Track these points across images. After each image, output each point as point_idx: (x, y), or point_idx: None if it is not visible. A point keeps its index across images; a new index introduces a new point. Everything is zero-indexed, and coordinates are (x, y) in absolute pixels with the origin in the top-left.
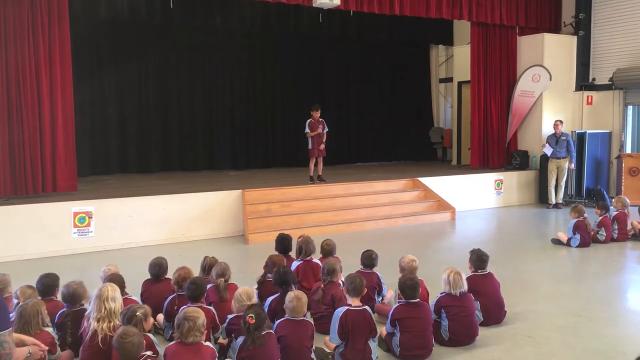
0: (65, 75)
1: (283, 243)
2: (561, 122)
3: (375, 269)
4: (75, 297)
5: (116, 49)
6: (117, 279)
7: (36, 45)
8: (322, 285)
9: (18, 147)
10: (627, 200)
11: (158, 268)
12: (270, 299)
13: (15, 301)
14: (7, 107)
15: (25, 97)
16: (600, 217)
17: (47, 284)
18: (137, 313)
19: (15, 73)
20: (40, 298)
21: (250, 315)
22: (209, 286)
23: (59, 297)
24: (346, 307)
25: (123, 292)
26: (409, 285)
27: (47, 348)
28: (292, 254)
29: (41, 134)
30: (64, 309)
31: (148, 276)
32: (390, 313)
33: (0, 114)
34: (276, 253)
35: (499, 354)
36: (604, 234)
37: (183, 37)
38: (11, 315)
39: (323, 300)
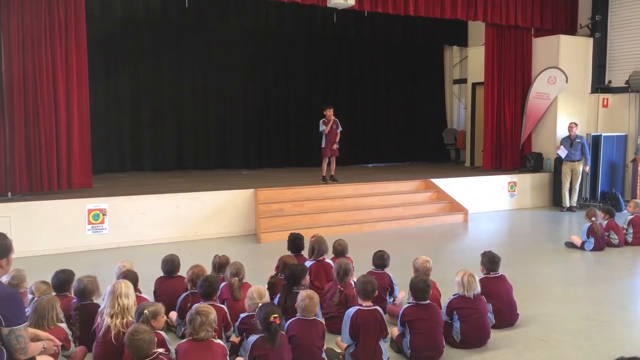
0: (82, 73)
1: (295, 243)
2: (576, 124)
3: (387, 270)
4: (86, 292)
5: (131, 48)
6: (131, 276)
7: (53, 44)
8: (339, 287)
9: (34, 143)
10: None
11: (170, 264)
12: (279, 295)
13: (30, 296)
14: (24, 103)
15: (41, 94)
16: (605, 221)
17: (63, 280)
18: (145, 311)
19: (32, 70)
20: (54, 294)
21: (275, 315)
22: (222, 284)
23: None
24: (357, 307)
25: (135, 289)
26: (420, 287)
27: (60, 343)
28: (304, 253)
29: (57, 130)
30: (74, 302)
31: (160, 274)
32: (400, 314)
33: (17, 111)
34: (287, 253)
35: (511, 356)
36: (616, 237)
37: (198, 36)
38: (26, 310)
39: (339, 300)
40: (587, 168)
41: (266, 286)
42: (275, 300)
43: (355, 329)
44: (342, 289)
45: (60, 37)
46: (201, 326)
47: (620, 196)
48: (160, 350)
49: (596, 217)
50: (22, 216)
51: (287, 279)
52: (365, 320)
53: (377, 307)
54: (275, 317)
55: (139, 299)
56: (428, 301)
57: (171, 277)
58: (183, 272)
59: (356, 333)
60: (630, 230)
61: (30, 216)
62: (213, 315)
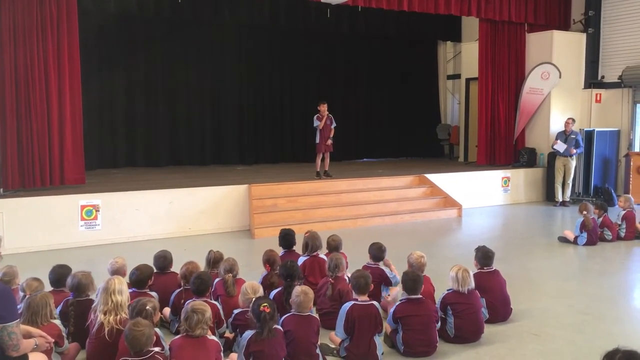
0: (74, 69)
1: (286, 239)
2: (573, 120)
3: (380, 265)
4: (80, 287)
5: (124, 43)
6: (146, 271)
7: (45, 40)
8: (330, 280)
9: (27, 139)
10: (632, 198)
11: (163, 260)
12: (274, 292)
13: (21, 294)
14: (16, 99)
15: (33, 90)
16: (600, 218)
17: (61, 275)
18: (147, 307)
19: (24, 66)
20: (49, 290)
21: (265, 304)
22: (216, 280)
23: None
24: (352, 302)
25: (144, 287)
26: (411, 277)
27: (53, 340)
28: (296, 248)
29: (49, 126)
30: (69, 298)
31: (154, 270)
32: (392, 311)
33: (9, 107)
34: (270, 248)
35: (505, 351)
36: (610, 233)
37: (191, 31)
38: (18, 307)
39: (333, 295)
40: (574, 151)
41: (259, 281)
42: (271, 296)
43: (350, 324)
44: (332, 281)
45: (52, 32)
46: (197, 324)
47: (613, 191)
48: (157, 349)
49: (588, 211)
50: (14, 212)
51: (285, 276)
52: (360, 315)
53: (373, 302)
54: (264, 306)
55: (148, 297)
56: (420, 296)
57: (164, 273)
58: (176, 267)
59: (351, 328)
60: (624, 226)
61: (22, 212)
62: (209, 313)
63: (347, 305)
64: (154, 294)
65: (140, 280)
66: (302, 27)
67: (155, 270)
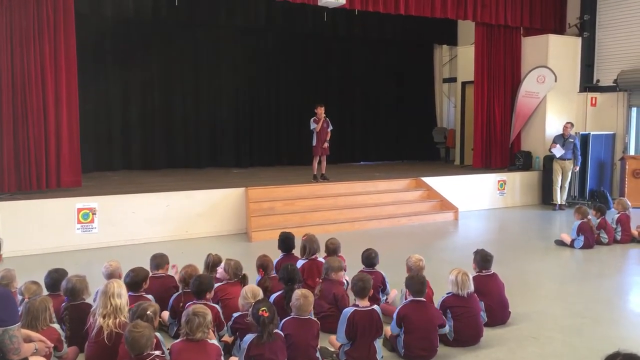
0: (71, 72)
1: (286, 242)
2: (572, 124)
3: (378, 268)
4: (75, 291)
5: (121, 46)
6: (141, 273)
7: (42, 42)
8: (319, 280)
9: (23, 142)
10: (628, 202)
11: (159, 259)
12: (274, 295)
13: (19, 297)
14: (12, 102)
15: (30, 92)
16: (598, 220)
17: (56, 279)
18: (148, 311)
19: (21, 69)
20: (47, 294)
21: (263, 308)
22: (217, 285)
23: None
24: (354, 308)
25: (139, 289)
26: (417, 281)
27: (52, 345)
28: (295, 252)
29: (46, 129)
30: (64, 303)
31: (149, 272)
32: (396, 313)
33: (5, 109)
34: (278, 252)
35: (503, 354)
36: (606, 236)
37: (188, 34)
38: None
39: (321, 296)
40: (577, 168)
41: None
42: (271, 300)
43: (352, 330)
44: (320, 280)
45: (49, 36)
46: (198, 327)
47: (608, 194)
48: (157, 352)
49: (587, 214)
50: (11, 215)
51: (285, 280)
52: (363, 322)
53: (374, 308)
54: (263, 311)
55: (143, 299)
56: (424, 299)
57: (159, 277)
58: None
59: (354, 333)
60: (619, 229)
61: (19, 215)
62: (210, 316)
63: (349, 311)
64: (150, 297)
65: (134, 282)
66: (299, 29)
67: (152, 271)
